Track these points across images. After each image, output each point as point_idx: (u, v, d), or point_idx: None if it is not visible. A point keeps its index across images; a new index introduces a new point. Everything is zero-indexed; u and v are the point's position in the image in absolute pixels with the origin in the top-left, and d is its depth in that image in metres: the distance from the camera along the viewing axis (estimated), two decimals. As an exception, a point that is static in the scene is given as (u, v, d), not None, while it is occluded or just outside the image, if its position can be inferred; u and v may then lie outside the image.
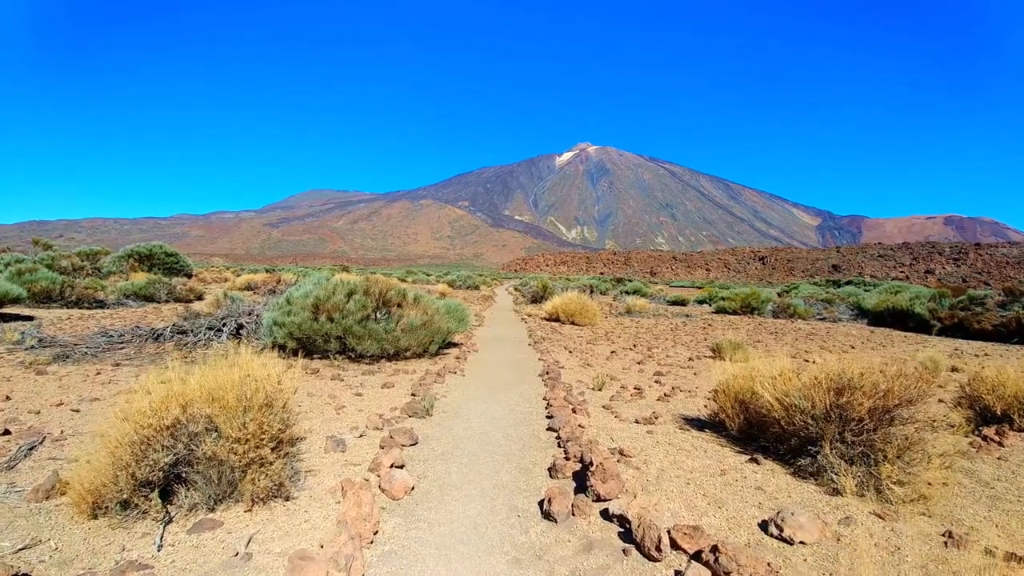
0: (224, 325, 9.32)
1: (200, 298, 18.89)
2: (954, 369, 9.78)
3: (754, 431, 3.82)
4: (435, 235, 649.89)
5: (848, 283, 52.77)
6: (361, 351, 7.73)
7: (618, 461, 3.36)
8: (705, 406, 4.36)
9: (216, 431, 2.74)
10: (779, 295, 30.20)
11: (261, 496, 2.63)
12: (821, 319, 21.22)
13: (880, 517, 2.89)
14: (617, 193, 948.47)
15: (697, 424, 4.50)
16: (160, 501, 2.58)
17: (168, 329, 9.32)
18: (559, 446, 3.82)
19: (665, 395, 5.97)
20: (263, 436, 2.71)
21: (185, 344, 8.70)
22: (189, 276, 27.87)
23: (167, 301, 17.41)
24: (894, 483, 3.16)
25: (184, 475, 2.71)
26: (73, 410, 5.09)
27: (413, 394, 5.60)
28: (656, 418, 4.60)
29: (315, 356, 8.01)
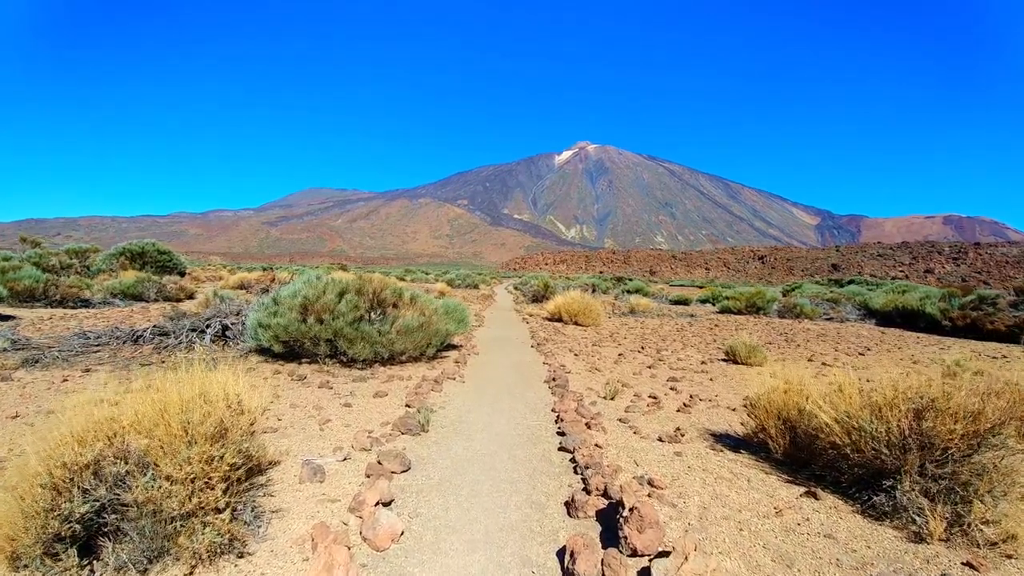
0: (208, 327, 8.75)
1: (191, 297, 18.32)
2: (979, 372, 9.26)
3: (803, 455, 3.27)
4: (434, 234, 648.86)
5: (850, 282, 52.24)
6: (353, 355, 7.16)
7: (649, 495, 2.80)
8: (742, 424, 3.80)
9: (155, 469, 2.18)
10: (783, 294, 29.69)
11: (205, 555, 2.07)
12: (828, 319, 20.71)
13: (974, 568, 2.34)
14: (616, 192, 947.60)
15: (730, 443, 3.94)
16: (79, 560, 2.02)
17: (148, 330, 8.75)
18: (576, 472, 3.26)
19: (685, 405, 5.43)
20: (212, 476, 2.15)
21: (165, 347, 8.13)
22: (182, 274, 27.29)
23: (156, 300, 16.84)
24: (983, 523, 2.63)
25: (114, 524, 2.15)
26: (28, 424, 4.54)
27: (408, 405, 5.05)
28: (681, 435, 4.04)
29: (303, 360, 7.44)
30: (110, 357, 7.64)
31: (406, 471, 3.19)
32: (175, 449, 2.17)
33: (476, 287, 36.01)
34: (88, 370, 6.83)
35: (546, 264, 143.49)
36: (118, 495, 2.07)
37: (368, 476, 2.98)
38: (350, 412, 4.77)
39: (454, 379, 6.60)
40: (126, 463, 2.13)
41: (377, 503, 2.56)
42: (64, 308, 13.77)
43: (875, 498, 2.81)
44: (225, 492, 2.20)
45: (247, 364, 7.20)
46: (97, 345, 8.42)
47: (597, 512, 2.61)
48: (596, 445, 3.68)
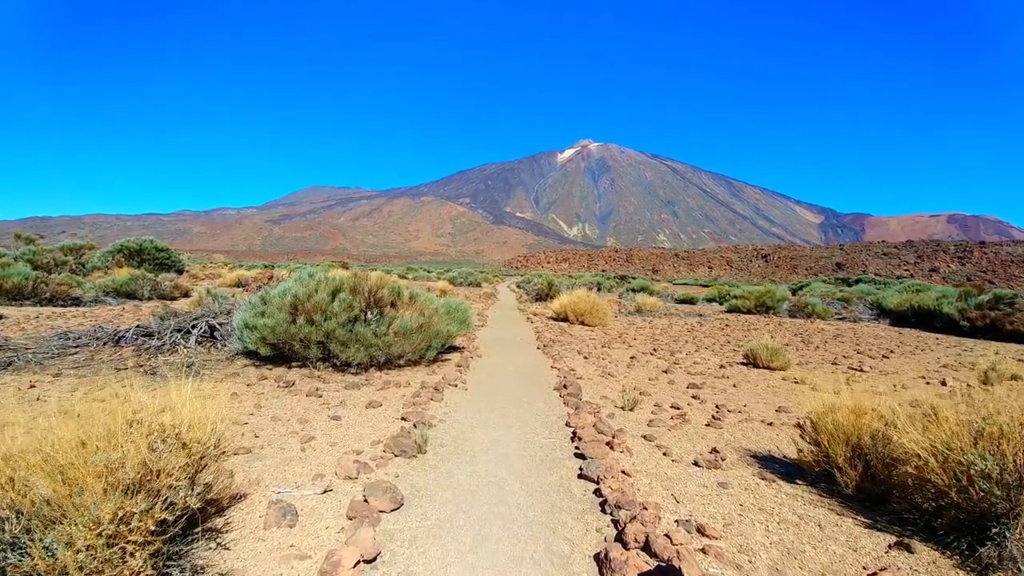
0: (194, 327, 8.21)
1: (187, 295, 17.86)
2: (1014, 377, 8.67)
3: (879, 489, 2.70)
4: (436, 232, 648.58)
5: (858, 281, 51.57)
6: (346, 359, 6.61)
7: (703, 550, 2.24)
8: (799, 451, 3.18)
9: (59, 528, 1.63)
10: (792, 293, 29.09)
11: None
12: (840, 319, 20.17)
13: None
14: (619, 190, 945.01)
15: (780, 470, 3.36)
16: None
17: (131, 331, 8.22)
18: (603, 510, 2.69)
19: (714, 418, 4.86)
20: (130, 537, 1.60)
21: (146, 349, 7.59)
22: (180, 272, 26.87)
23: (150, 298, 16.39)
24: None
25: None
26: (-24, 438, 3.97)
27: (404, 418, 4.49)
28: (721, 459, 3.47)
29: (294, 364, 6.90)
30: (86, 360, 7.12)
31: (397, 509, 2.63)
32: (83, 503, 1.61)
33: (478, 285, 35.47)
34: (59, 374, 6.31)
35: (548, 262, 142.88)
36: (11, 562, 1.52)
37: (351, 518, 2.42)
38: (338, 427, 4.22)
39: (456, 386, 6.05)
40: (20, 518, 1.58)
41: (357, 563, 2.01)
42: (54, 307, 13.35)
43: (981, 549, 2.24)
44: (152, 557, 1.65)
45: (232, 368, 6.66)
46: (76, 346, 7.91)
47: None
48: (623, 472, 3.11)
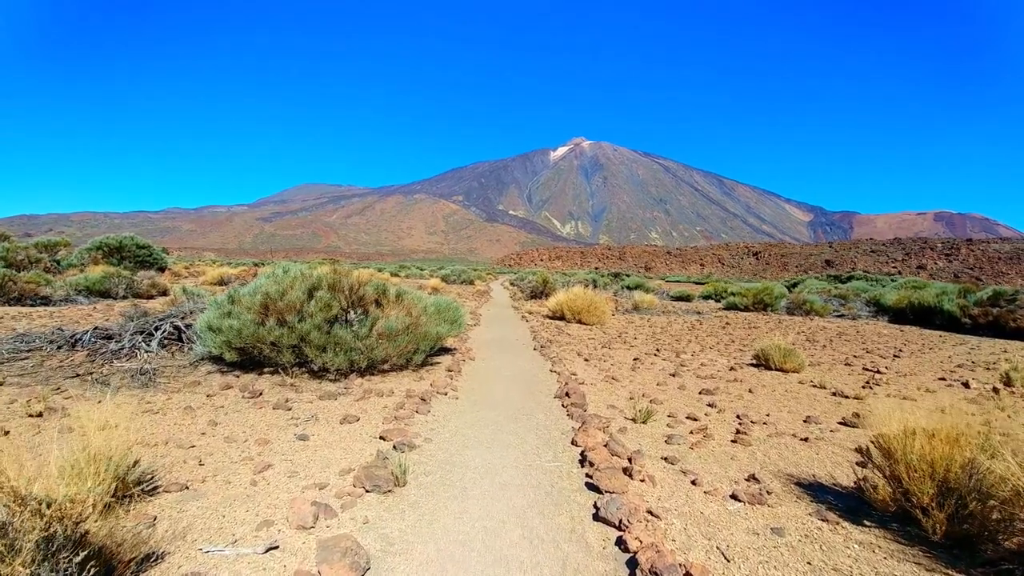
0: (157, 329, 7.48)
1: (165, 294, 17.06)
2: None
3: (970, 531, 2.12)
4: (429, 230, 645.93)
5: (850, 278, 51.58)
6: (323, 364, 5.95)
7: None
8: (872, 487, 2.53)
9: None
10: (788, 290, 28.78)
11: None
12: (839, 316, 19.83)
13: None
14: (611, 188, 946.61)
15: (837, 503, 2.76)
16: None
17: (88, 334, 7.48)
18: (634, 573, 2.08)
19: (739, 432, 4.27)
20: None
21: (103, 353, 6.86)
22: (162, 270, 25.94)
23: (125, 297, 15.59)
24: None
25: None
26: None
27: (382, 437, 3.85)
28: (766, 491, 2.86)
29: (266, 370, 6.22)
30: (35, 366, 6.39)
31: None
32: None
33: (471, 283, 34.83)
34: (3, 382, 5.61)
35: (541, 260, 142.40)
36: None
37: (294, 599, 1.79)
38: (304, 449, 3.56)
39: (445, 394, 5.42)
40: None
41: None
42: (21, 306, 12.55)
43: None
44: None
45: (194, 375, 5.96)
46: (29, 350, 7.17)
47: None
48: (650, 513, 2.50)
